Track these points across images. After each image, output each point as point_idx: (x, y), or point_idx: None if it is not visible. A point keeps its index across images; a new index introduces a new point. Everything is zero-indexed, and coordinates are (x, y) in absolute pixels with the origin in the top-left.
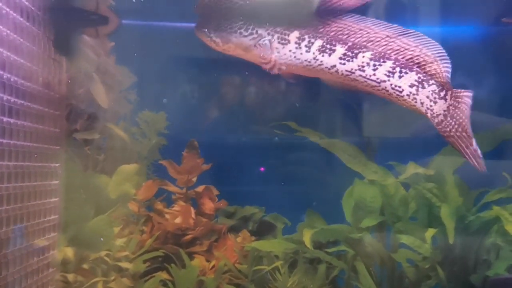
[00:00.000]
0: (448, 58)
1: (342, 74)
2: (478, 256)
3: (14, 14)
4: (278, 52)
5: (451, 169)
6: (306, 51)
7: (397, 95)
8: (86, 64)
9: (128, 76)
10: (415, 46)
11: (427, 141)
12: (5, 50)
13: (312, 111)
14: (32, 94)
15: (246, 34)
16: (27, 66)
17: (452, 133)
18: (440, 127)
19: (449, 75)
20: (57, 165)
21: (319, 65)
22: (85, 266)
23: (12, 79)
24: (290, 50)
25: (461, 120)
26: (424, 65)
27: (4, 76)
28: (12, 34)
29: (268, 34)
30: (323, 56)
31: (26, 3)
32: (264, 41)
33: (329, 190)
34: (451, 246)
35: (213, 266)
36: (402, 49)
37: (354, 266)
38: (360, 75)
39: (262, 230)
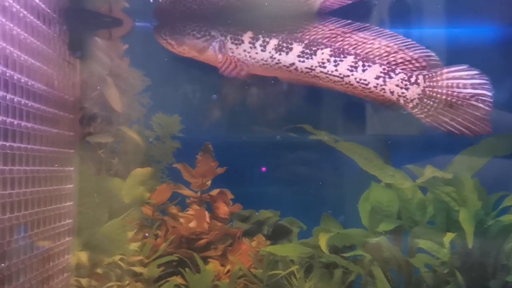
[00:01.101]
0: (418, 44)
1: (302, 71)
2: (497, 261)
3: (31, 17)
4: (232, 53)
5: (469, 172)
6: (262, 51)
7: (363, 87)
8: (99, 67)
9: (141, 79)
10: (373, 39)
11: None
12: (23, 54)
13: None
14: (47, 97)
15: (199, 36)
16: (43, 70)
17: (431, 112)
18: (416, 110)
19: (427, 59)
20: (71, 169)
21: (277, 63)
22: (99, 270)
23: (29, 83)
24: (244, 50)
25: (444, 96)
26: (387, 55)
27: (22, 80)
28: (29, 37)
29: (221, 35)
30: (280, 54)
31: (43, 6)
32: (216, 42)
33: (346, 191)
34: (470, 251)
35: (228, 271)
36: (360, 43)
37: (371, 271)
38: (322, 72)
39: (277, 234)
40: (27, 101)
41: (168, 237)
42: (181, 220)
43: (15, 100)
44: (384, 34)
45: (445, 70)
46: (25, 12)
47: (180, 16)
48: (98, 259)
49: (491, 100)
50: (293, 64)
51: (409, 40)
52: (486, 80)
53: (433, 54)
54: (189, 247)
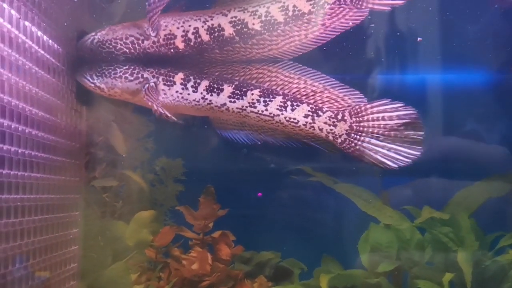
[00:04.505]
0: (342, 84)
1: (233, 111)
2: None
3: (42, 72)
4: (165, 94)
5: (466, 213)
6: (193, 91)
7: (293, 126)
8: (105, 113)
9: (145, 124)
10: (298, 79)
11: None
12: (34, 108)
13: None
14: (55, 147)
15: (132, 78)
16: (52, 121)
17: (358, 146)
18: (344, 145)
19: (352, 97)
20: (77, 213)
21: (209, 104)
22: None
23: (39, 135)
24: (176, 91)
25: (371, 129)
26: (313, 95)
27: (33, 133)
28: (40, 91)
29: (153, 77)
30: (211, 95)
31: (53, 60)
32: (150, 84)
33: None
34: None
35: None
36: (286, 83)
37: None
38: (252, 111)
39: (279, 276)
40: (37, 153)
41: (171, 279)
42: (184, 262)
43: (26, 153)
44: (308, 72)
45: (369, 106)
46: (36, 68)
47: (109, 58)
48: None
49: (421, 126)
50: (225, 104)
51: (333, 79)
52: (412, 110)
53: (357, 92)
54: None
